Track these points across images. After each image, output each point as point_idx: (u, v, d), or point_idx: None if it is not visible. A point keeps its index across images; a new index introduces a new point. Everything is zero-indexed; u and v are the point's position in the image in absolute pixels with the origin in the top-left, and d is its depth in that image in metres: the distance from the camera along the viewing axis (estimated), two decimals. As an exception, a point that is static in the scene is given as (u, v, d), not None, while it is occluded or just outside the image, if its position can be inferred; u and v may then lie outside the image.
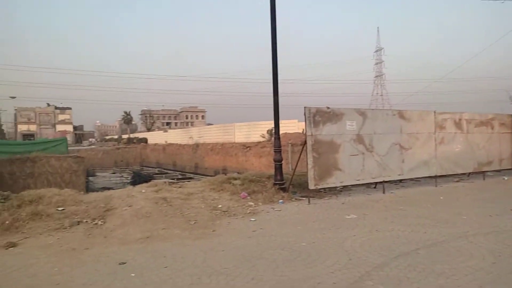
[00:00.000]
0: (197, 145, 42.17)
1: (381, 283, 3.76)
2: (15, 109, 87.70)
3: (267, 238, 5.57)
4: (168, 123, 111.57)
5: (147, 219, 6.57)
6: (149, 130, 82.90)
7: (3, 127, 52.80)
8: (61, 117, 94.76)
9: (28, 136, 78.06)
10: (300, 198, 8.74)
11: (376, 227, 6.13)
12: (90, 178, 35.90)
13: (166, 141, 51.35)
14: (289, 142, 30.51)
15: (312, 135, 8.25)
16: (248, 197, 8.49)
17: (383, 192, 9.47)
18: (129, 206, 7.17)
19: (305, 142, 8.32)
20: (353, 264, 4.34)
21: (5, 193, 7.07)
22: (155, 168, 46.32)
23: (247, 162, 34.96)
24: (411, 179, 10.99)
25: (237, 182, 9.31)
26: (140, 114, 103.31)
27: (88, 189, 28.96)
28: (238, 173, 34.56)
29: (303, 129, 33.85)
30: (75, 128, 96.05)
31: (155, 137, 57.80)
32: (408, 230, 5.91)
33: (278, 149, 9.18)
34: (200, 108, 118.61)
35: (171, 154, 47.60)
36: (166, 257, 4.74)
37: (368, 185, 10.13)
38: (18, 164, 19.66)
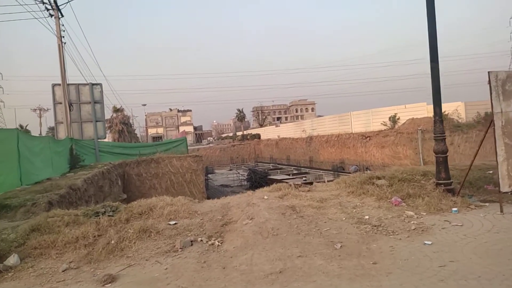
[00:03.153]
0: (310, 138, 40.38)
1: None
2: (145, 115, 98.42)
3: (473, 283, 3.35)
4: (278, 118, 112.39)
5: (275, 238, 4.91)
6: (261, 126, 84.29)
7: (136, 131, 59.09)
8: (183, 119, 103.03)
9: (156, 138, 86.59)
10: (482, 204, 6.12)
11: None
12: (209, 175, 37.06)
13: (278, 136, 50.81)
14: (419, 128, 26.53)
15: (502, 112, 5.57)
16: (403, 204, 6.25)
17: None
18: (251, 219, 5.64)
19: (491, 123, 5.69)
20: None
21: (114, 204, 6.22)
22: (269, 163, 46.00)
23: (367, 154, 31.87)
24: None
25: (383, 182, 7.11)
26: (252, 111, 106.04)
27: (208, 187, 29.68)
28: (356, 166, 31.60)
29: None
30: (195, 128, 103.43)
31: (268, 133, 57.88)
32: None
33: (440, 136, 6.65)
34: (309, 100, 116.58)
35: (284, 149, 46.76)
36: (315, 319, 2.95)
37: None
38: (144, 165, 20.49)
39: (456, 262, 3.85)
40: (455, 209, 5.79)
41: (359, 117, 34.10)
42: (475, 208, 5.90)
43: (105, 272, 4.19)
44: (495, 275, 3.46)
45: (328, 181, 26.88)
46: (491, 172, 7.99)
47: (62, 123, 19.28)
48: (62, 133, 19.37)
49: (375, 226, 5.26)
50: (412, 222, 5.37)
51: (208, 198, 23.53)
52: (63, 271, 4.40)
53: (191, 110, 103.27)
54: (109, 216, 5.71)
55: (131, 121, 52.93)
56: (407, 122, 28.59)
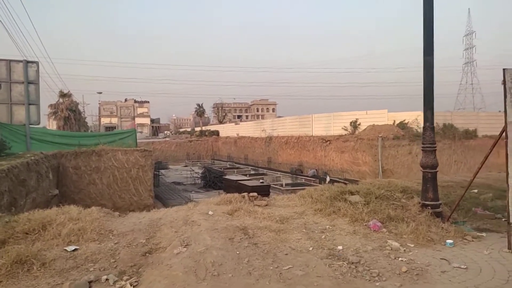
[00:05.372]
0: (270, 138, 39.25)
1: None
2: (99, 103, 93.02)
3: None
4: (239, 116, 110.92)
5: (214, 281, 3.37)
6: (221, 122, 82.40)
7: (87, 120, 54.86)
8: (139, 110, 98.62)
9: (110, 128, 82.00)
10: (479, 234, 4.94)
11: None
12: (162, 171, 34.75)
13: (237, 134, 49.31)
14: (379, 135, 26.03)
15: (516, 121, 4.39)
16: (384, 229, 4.93)
17: None
18: (185, 246, 4.07)
19: (502, 132, 4.50)
20: None
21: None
22: (226, 161, 44.37)
23: (326, 158, 31.17)
24: None
25: (357, 199, 5.78)
26: (212, 107, 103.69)
27: (159, 183, 27.50)
28: (315, 170, 30.69)
29: (394, 121, 29.11)
30: (152, 121, 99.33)
31: (227, 130, 56.19)
32: None
33: (430, 146, 5.39)
34: (271, 100, 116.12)
35: (243, 147, 45.33)
36: None
37: None
38: (83, 157, 18.08)
39: None
40: (450, 241, 4.56)
41: (320, 120, 33.37)
42: (472, 240, 4.70)
43: None
44: None
45: (285, 184, 25.74)
46: (475, 191, 6.95)
47: (-14, 103, 16.53)
48: (-15, 115, 16.61)
49: (353, 263, 3.88)
50: (400, 259, 4.05)
51: (157, 196, 21.55)
52: None
53: (148, 102, 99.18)
54: (-25, 235, 3.89)
55: (80, 108, 49.10)
56: (368, 128, 28.15)
